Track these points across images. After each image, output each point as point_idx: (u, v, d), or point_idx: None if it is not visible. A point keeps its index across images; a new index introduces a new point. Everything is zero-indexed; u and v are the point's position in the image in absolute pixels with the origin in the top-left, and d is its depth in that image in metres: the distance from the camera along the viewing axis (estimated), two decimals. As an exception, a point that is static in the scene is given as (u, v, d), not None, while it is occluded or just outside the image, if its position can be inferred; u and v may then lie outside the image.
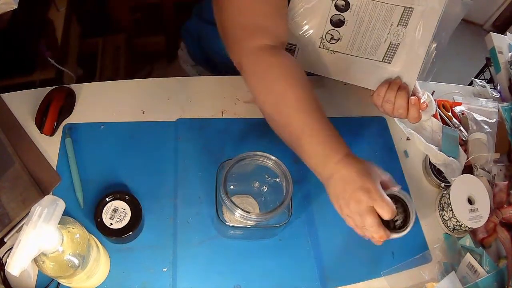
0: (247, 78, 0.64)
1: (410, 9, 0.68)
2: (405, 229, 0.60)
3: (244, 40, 0.64)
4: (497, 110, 0.88)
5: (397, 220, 0.64)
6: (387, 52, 0.72)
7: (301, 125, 0.59)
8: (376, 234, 0.56)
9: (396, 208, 0.63)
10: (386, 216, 0.55)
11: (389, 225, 0.63)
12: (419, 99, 0.72)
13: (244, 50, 0.64)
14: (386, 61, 0.73)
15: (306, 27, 0.73)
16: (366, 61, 0.74)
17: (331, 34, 0.73)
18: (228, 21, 0.64)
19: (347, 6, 0.70)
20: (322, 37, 0.73)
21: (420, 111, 0.72)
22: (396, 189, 0.60)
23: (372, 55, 0.73)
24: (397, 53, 0.72)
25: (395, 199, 0.63)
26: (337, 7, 0.70)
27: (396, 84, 0.72)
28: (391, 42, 0.71)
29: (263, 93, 0.63)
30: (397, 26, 0.69)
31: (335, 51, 0.74)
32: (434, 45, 0.72)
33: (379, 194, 0.55)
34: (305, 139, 0.59)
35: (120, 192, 0.64)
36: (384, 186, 0.58)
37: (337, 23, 0.71)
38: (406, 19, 0.69)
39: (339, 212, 0.59)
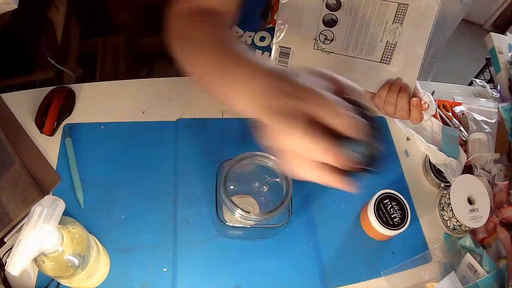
0: (168, 37, 0.57)
1: (405, 6, 0.67)
2: (403, 225, 0.60)
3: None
4: (497, 110, 0.88)
5: (395, 217, 0.65)
6: (384, 52, 0.72)
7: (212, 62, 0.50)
8: (327, 157, 0.38)
9: (393, 203, 0.64)
10: (335, 120, 0.38)
11: (388, 223, 0.63)
12: (420, 100, 0.71)
13: (176, 10, 0.58)
14: (384, 61, 0.72)
15: (299, 29, 0.72)
16: (364, 62, 0.73)
17: (325, 35, 0.72)
18: None
19: (338, 5, 0.69)
20: (315, 38, 0.73)
21: (422, 112, 0.72)
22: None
23: (370, 55, 0.73)
24: (395, 53, 0.71)
25: (390, 195, 0.64)
26: (328, 6, 0.69)
27: (397, 86, 0.72)
28: (387, 41, 0.70)
29: (183, 53, 0.55)
30: (393, 24, 0.69)
31: (330, 52, 0.74)
32: (433, 44, 0.71)
33: (315, 91, 0.39)
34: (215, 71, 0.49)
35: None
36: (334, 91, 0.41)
37: (330, 23, 0.71)
38: (401, 16, 0.68)
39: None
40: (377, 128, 0.40)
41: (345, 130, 0.38)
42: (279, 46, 0.74)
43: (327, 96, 0.39)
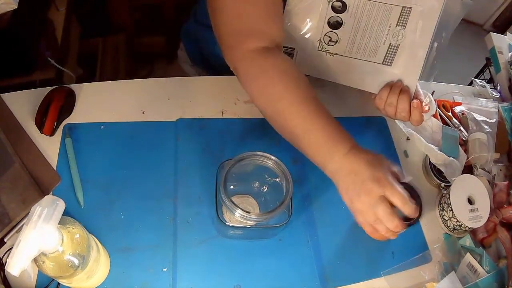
0: (243, 83, 0.64)
1: (408, 9, 0.68)
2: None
3: (238, 45, 0.63)
4: (497, 110, 0.88)
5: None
6: (387, 54, 0.72)
7: (303, 123, 0.59)
8: (390, 223, 0.55)
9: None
10: (399, 203, 0.55)
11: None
12: (421, 102, 0.72)
13: (238, 55, 0.63)
14: (386, 63, 0.73)
15: (303, 30, 0.73)
16: (366, 64, 0.74)
17: (329, 36, 0.72)
18: (221, 26, 0.64)
19: (344, 7, 0.69)
20: (320, 40, 0.73)
21: (423, 114, 0.72)
22: (407, 180, 0.59)
23: (372, 57, 0.73)
24: (397, 55, 0.72)
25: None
26: (334, 8, 0.70)
27: (397, 87, 0.72)
28: (390, 43, 0.71)
29: (260, 97, 0.63)
30: (396, 26, 0.69)
31: (334, 54, 0.74)
32: (435, 45, 0.71)
33: (389, 182, 0.55)
34: (309, 135, 0.59)
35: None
36: (395, 178, 0.58)
37: (335, 25, 0.71)
38: (405, 19, 0.68)
39: (349, 206, 0.58)
40: (419, 196, 0.60)
41: (406, 212, 0.56)
42: (284, 47, 0.74)
43: (396, 187, 0.56)
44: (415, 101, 0.71)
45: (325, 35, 0.72)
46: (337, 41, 0.72)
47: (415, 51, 0.70)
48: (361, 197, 0.56)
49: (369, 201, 0.55)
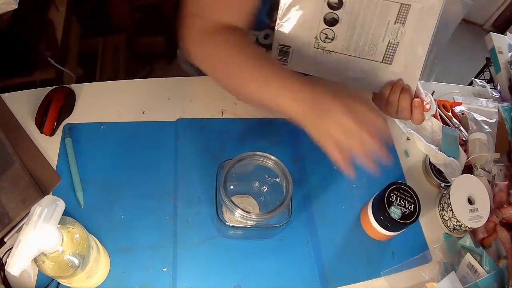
0: (197, 63, 0.65)
1: (407, 6, 0.67)
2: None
3: (193, 26, 0.64)
4: (497, 110, 0.88)
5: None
6: (386, 52, 0.72)
7: (255, 65, 0.61)
8: (357, 133, 0.52)
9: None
10: (364, 108, 0.54)
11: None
12: (422, 100, 0.71)
13: (191, 35, 0.64)
14: (386, 61, 0.72)
15: (299, 27, 0.72)
16: (365, 62, 0.73)
17: (325, 34, 0.71)
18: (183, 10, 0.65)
19: (340, 4, 0.68)
20: (316, 37, 0.72)
21: (424, 112, 0.72)
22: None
23: (371, 55, 0.72)
24: (397, 53, 0.71)
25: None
26: (330, 5, 0.69)
27: (398, 86, 0.72)
28: (389, 41, 0.70)
29: (215, 73, 0.65)
30: (395, 24, 0.69)
31: (331, 51, 0.73)
32: (435, 45, 0.71)
33: (348, 94, 0.55)
34: (267, 87, 0.59)
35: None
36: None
37: (331, 22, 0.70)
38: (404, 16, 0.68)
39: (314, 135, 0.56)
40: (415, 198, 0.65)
41: (374, 119, 0.55)
42: (279, 45, 0.74)
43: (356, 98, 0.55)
44: (416, 99, 0.71)
45: (321, 32, 0.72)
46: (333, 38, 0.72)
47: (415, 49, 0.70)
48: (323, 117, 0.54)
49: (333, 118, 0.53)
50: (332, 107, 0.54)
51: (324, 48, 0.73)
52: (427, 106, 0.71)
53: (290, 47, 0.74)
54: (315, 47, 0.73)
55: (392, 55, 0.72)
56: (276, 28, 0.73)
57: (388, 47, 0.71)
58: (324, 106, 0.54)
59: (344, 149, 0.54)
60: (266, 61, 0.62)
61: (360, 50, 0.72)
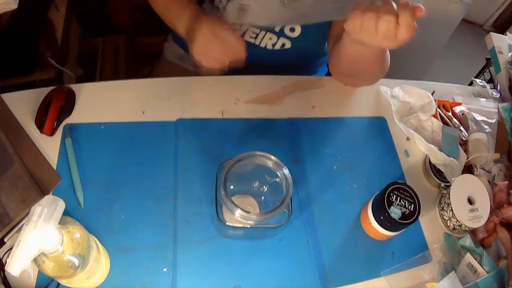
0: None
1: None
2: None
3: None
4: (497, 110, 0.88)
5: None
6: None
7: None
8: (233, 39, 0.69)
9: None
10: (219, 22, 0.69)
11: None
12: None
13: None
14: None
15: None
16: None
17: None
18: None
19: None
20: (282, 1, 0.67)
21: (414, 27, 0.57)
22: None
23: None
24: None
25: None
26: None
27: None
28: None
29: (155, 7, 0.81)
30: None
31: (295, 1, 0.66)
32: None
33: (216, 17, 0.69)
34: (175, 17, 0.77)
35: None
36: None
37: None
38: None
39: (194, 56, 0.70)
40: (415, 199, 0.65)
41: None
42: (238, 3, 0.70)
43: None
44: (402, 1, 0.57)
45: None
46: None
47: None
48: (191, 40, 0.69)
49: (203, 35, 0.68)
50: (197, 30, 0.69)
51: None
52: (419, 11, 0.56)
53: (249, 5, 0.70)
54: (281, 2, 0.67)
55: None
56: None
57: None
58: (193, 30, 0.70)
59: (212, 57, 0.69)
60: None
61: None
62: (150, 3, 0.81)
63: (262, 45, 0.90)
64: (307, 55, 0.98)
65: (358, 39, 0.62)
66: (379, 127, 0.85)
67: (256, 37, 0.89)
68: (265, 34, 0.88)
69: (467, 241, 0.71)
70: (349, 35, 0.65)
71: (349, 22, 0.60)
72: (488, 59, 1.02)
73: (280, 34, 0.87)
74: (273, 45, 0.89)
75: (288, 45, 0.89)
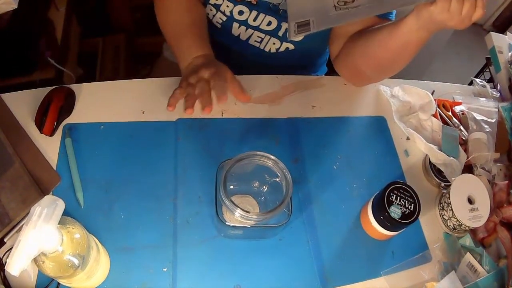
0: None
1: None
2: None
3: None
4: (497, 110, 0.88)
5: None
6: None
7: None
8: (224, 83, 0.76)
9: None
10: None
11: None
12: None
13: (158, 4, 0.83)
14: None
15: (313, 1, 0.66)
16: None
17: (344, 1, 0.64)
18: None
19: None
20: (335, 5, 0.65)
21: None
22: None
23: None
24: None
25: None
26: None
27: None
28: None
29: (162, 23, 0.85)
30: None
31: (357, 6, 0.64)
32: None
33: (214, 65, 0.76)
34: (178, 50, 0.82)
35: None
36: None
37: None
38: None
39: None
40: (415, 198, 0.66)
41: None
42: (296, 23, 0.67)
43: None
44: None
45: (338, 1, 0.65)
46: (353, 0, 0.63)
47: None
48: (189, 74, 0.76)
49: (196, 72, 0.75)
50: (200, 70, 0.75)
51: (348, 7, 0.64)
52: None
53: (309, 20, 0.66)
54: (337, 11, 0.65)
55: None
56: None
57: None
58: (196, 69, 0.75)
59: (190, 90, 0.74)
60: (189, 31, 0.81)
61: None
62: (159, 26, 0.85)
63: (266, 49, 0.90)
64: (309, 56, 0.98)
65: (439, 20, 0.61)
66: (379, 127, 0.85)
67: (260, 42, 0.89)
68: (269, 39, 0.88)
69: (467, 240, 0.71)
70: (429, 17, 0.62)
71: (439, 3, 0.59)
72: (488, 59, 1.02)
73: (284, 39, 0.87)
74: (277, 49, 0.89)
75: (291, 48, 0.89)
